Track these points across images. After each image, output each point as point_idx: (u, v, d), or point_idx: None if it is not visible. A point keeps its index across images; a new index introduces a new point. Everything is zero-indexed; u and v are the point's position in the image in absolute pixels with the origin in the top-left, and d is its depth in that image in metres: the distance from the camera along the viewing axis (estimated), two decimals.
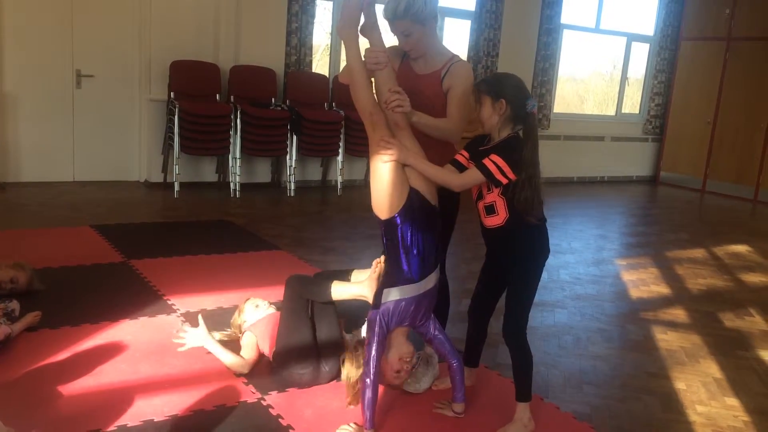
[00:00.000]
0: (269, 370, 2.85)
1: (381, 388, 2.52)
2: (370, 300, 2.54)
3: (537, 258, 2.55)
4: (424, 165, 2.47)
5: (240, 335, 3.02)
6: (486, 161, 2.42)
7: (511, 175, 2.40)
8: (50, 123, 6.08)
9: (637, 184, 9.73)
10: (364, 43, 2.64)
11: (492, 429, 2.55)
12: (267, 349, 2.88)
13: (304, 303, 2.78)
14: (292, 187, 6.65)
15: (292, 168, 6.62)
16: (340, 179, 6.96)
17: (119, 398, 2.53)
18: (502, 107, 2.43)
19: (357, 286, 2.68)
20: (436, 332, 2.58)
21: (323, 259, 4.53)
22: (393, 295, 2.42)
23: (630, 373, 3.26)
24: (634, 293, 4.56)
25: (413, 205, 2.41)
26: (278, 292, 3.00)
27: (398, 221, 2.41)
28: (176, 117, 5.99)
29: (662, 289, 4.69)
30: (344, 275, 2.86)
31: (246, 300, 3.16)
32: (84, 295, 3.55)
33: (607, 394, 3.00)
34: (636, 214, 7.88)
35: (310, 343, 2.74)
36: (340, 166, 6.91)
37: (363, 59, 2.55)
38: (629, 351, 3.54)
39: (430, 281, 2.48)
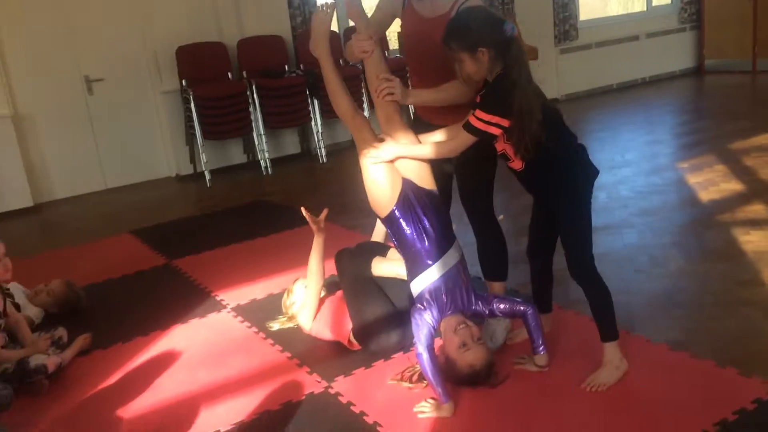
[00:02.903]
0: (334, 353, 2.70)
1: None
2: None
3: (574, 185, 2.30)
4: (417, 150, 2.40)
5: (292, 317, 2.96)
6: (471, 119, 2.22)
7: (504, 122, 2.17)
8: (70, 135, 5.97)
9: (681, 78, 9.14)
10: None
11: (581, 378, 2.32)
12: (328, 334, 2.77)
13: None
14: (323, 153, 6.42)
15: (320, 133, 6.39)
16: None
17: (182, 412, 2.41)
18: (483, 55, 2.16)
19: (395, 264, 2.62)
20: (492, 303, 2.39)
21: (367, 223, 4.31)
22: (418, 286, 2.37)
23: (720, 287, 2.98)
24: (704, 196, 4.21)
25: (409, 196, 2.38)
26: (327, 267, 2.85)
27: (398, 215, 2.38)
28: (192, 105, 5.82)
29: (734, 186, 4.32)
30: (383, 250, 2.75)
31: (295, 281, 3.05)
32: (131, 306, 3.45)
33: (700, 315, 2.74)
34: (687, 111, 7.38)
35: (387, 307, 2.64)
36: None
37: (349, 51, 2.46)
38: (713, 261, 3.25)
39: (450, 259, 2.37)
